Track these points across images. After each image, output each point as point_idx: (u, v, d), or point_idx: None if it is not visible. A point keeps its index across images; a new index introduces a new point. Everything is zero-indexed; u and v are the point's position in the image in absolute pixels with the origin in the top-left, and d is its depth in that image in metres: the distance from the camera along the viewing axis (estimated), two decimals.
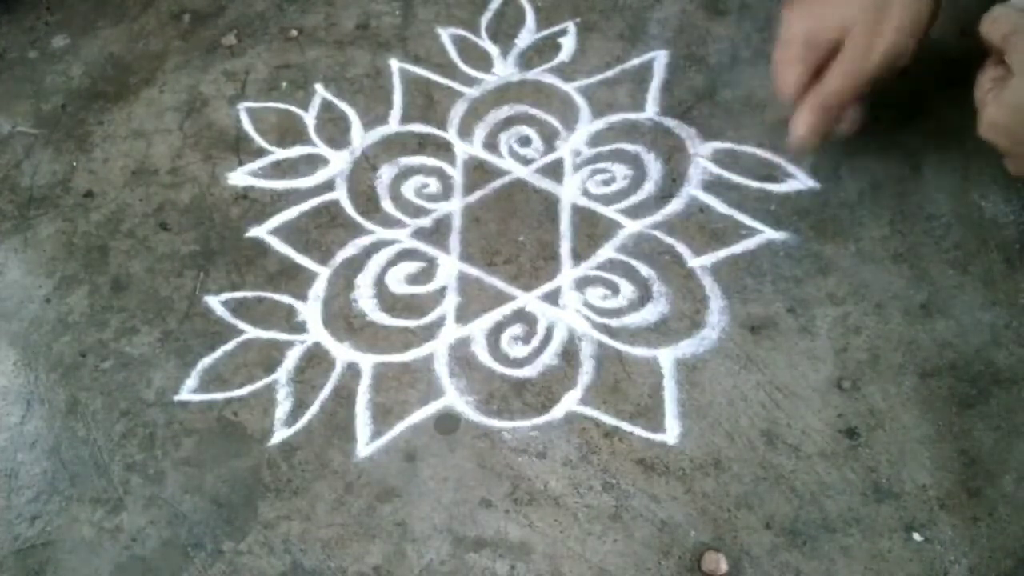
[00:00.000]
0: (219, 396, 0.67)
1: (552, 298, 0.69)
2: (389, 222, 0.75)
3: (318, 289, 0.72)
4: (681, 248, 0.70)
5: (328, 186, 0.78)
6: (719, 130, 0.76)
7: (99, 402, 0.68)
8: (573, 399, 0.64)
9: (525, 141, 0.79)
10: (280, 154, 0.81)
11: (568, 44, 0.84)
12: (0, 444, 0.67)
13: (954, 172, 0.71)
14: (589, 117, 0.79)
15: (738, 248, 0.70)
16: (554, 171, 0.76)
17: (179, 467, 0.65)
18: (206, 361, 0.69)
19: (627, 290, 0.69)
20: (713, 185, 0.73)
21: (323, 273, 0.73)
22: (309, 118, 0.83)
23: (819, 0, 0.63)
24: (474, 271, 0.72)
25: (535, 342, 0.67)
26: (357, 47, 0.87)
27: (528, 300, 0.70)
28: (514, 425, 0.64)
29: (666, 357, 0.65)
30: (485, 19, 0.87)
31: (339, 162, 0.79)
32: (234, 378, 0.68)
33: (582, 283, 0.70)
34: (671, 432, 0.62)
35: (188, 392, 0.68)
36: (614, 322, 0.68)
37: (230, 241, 0.76)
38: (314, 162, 0.80)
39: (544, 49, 0.84)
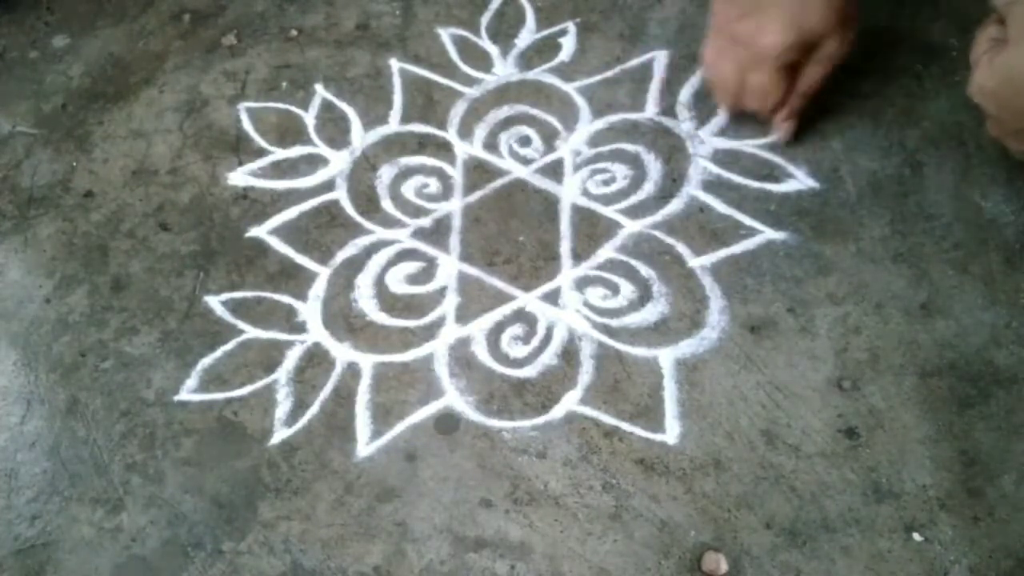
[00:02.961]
0: (219, 396, 0.67)
1: (552, 298, 0.69)
2: (389, 222, 0.75)
3: (318, 289, 0.72)
4: (681, 248, 0.70)
5: (328, 186, 0.78)
6: (719, 130, 0.76)
7: (99, 402, 0.68)
8: (573, 399, 0.64)
9: (525, 141, 0.79)
10: (280, 154, 0.81)
11: (568, 44, 0.84)
12: (0, 444, 0.67)
13: (954, 172, 0.71)
14: (589, 117, 0.79)
15: (738, 248, 0.70)
16: (554, 171, 0.76)
17: (179, 467, 0.65)
18: (206, 361, 0.69)
19: (627, 290, 0.69)
20: (713, 185, 0.73)
21: (323, 273, 0.73)
22: (309, 118, 0.83)
23: (791, 20, 0.65)
24: (474, 271, 0.72)
25: (535, 342, 0.67)
26: (357, 47, 0.87)
27: (528, 300, 0.70)
28: (514, 425, 0.64)
29: (666, 357, 0.65)
30: (485, 19, 0.87)
31: (339, 162, 0.79)
32: (234, 378, 0.68)
33: (582, 283, 0.70)
34: (671, 432, 0.62)
35: (188, 392, 0.68)
36: (614, 322, 0.68)
37: (230, 241, 0.76)
38: (314, 162, 0.80)
39: (544, 49, 0.84)
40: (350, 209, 0.76)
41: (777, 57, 0.67)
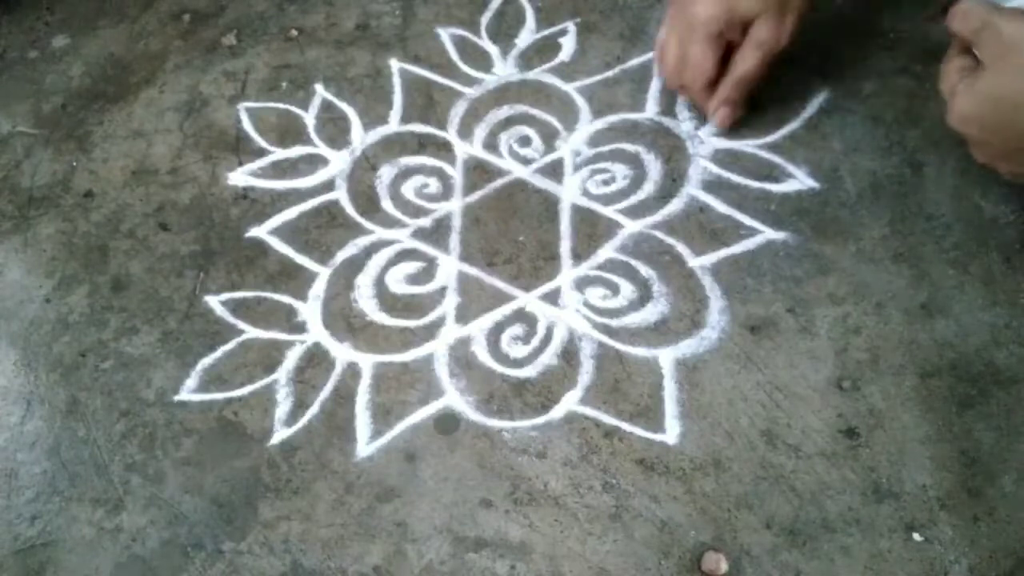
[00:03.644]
0: (219, 396, 0.67)
1: (552, 298, 0.69)
2: (389, 222, 0.75)
3: (318, 289, 0.72)
4: (681, 248, 0.70)
5: (328, 186, 0.78)
6: (719, 130, 0.76)
7: (99, 402, 0.68)
8: (573, 399, 0.64)
9: (525, 141, 0.79)
10: (280, 154, 0.81)
11: (568, 44, 0.84)
12: (0, 444, 0.67)
13: (954, 172, 0.71)
14: (589, 117, 0.79)
15: (738, 248, 0.70)
16: (554, 171, 0.76)
17: (179, 467, 0.65)
18: (206, 361, 0.69)
19: (627, 290, 0.69)
20: (713, 185, 0.73)
21: (323, 273, 0.73)
22: (309, 118, 0.83)
23: None
24: (474, 271, 0.72)
25: (535, 342, 0.67)
26: (357, 47, 0.87)
27: (528, 300, 0.70)
28: (514, 425, 0.64)
29: (666, 357, 0.65)
30: (485, 19, 0.87)
31: (339, 162, 0.79)
32: (234, 378, 0.68)
33: (582, 283, 0.70)
34: (671, 432, 0.62)
35: (188, 392, 0.68)
36: (614, 322, 0.68)
37: (230, 241, 0.76)
38: (314, 162, 0.80)
39: (544, 49, 0.84)
40: (350, 209, 0.76)
41: (703, 25, 0.66)
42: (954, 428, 0.60)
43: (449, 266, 0.72)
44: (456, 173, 0.77)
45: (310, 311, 0.71)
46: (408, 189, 0.77)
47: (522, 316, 0.69)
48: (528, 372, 0.66)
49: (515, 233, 0.73)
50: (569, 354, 0.66)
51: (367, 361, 0.68)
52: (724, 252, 0.70)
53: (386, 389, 0.66)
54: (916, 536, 0.57)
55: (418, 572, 0.59)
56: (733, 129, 0.75)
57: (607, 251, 0.71)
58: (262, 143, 0.81)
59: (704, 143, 0.76)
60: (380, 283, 0.72)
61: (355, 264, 0.73)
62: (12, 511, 0.64)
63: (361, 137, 0.81)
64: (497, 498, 0.61)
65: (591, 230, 0.73)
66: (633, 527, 0.59)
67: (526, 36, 0.86)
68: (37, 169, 0.83)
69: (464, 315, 0.69)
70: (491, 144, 0.79)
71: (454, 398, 0.65)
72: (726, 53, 0.69)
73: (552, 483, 0.61)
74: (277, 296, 0.72)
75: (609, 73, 0.82)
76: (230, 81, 0.86)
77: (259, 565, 0.60)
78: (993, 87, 0.52)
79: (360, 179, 0.78)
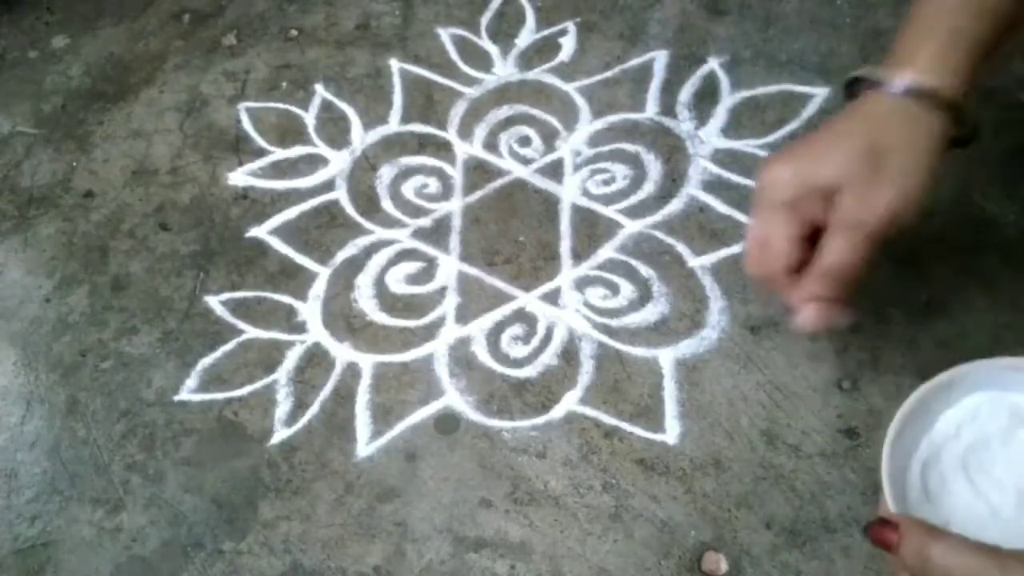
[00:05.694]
0: (219, 396, 0.67)
1: (552, 298, 0.69)
2: (389, 222, 0.75)
3: (318, 289, 0.72)
4: (681, 248, 0.70)
5: (328, 186, 0.78)
6: (719, 130, 0.76)
7: (99, 402, 0.68)
8: (573, 399, 0.64)
9: (525, 141, 0.79)
10: (280, 154, 0.81)
11: (568, 44, 0.84)
12: (0, 444, 0.67)
13: (954, 172, 0.71)
14: (589, 117, 0.79)
15: (738, 248, 0.70)
16: (554, 171, 0.76)
17: (179, 467, 0.65)
18: (206, 361, 0.69)
19: (627, 290, 0.69)
20: (713, 185, 0.73)
21: (323, 273, 0.73)
22: (309, 118, 0.83)
23: (801, 153, 0.51)
24: (474, 271, 0.72)
25: (535, 342, 0.67)
26: (357, 47, 0.87)
27: (528, 300, 0.70)
28: (514, 425, 0.64)
29: (666, 357, 0.65)
30: (485, 19, 0.87)
31: (339, 162, 0.79)
32: (234, 378, 0.68)
33: (582, 283, 0.70)
34: (671, 432, 0.62)
35: (188, 392, 0.68)
36: (614, 322, 0.68)
37: (230, 241, 0.76)
38: (314, 162, 0.80)
39: (544, 49, 0.84)
40: (350, 209, 0.76)
41: (771, 191, 0.51)
42: None
43: (449, 266, 0.72)
44: (456, 173, 0.77)
45: (310, 311, 0.71)
46: (408, 189, 0.77)
47: (522, 316, 0.69)
48: (528, 372, 0.66)
49: (515, 233, 0.73)
50: (569, 354, 0.66)
51: (367, 361, 0.68)
52: (724, 252, 0.70)
53: (386, 389, 0.66)
54: None
55: (418, 572, 0.59)
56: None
57: (607, 251, 0.71)
58: (262, 143, 0.82)
59: (704, 143, 0.76)
60: (380, 283, 0.72)
61: (355, 264, 0.73)
62: (12, 511, 0.64)
63: (361, 137, 0.81)
64: (497, 498, 0.61)
65: (591, 230, 0.73)
66: (633, 527, 0.59)
67: (526, 36, 0.86)
68: (37, 169, 0.83)
69: (464, 315, 0.69)
70: (491, 144, 0.79)
71: (454, 398, 0.65)
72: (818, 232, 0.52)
73: (552, 483, 0.61)
74: (277, 296, 0.72)
75: (609, 73, 0.82)
76: (230, 81, 0.87)
77: (259, 565, 0.60)
78: None
79: (360, 179, 0.78)
